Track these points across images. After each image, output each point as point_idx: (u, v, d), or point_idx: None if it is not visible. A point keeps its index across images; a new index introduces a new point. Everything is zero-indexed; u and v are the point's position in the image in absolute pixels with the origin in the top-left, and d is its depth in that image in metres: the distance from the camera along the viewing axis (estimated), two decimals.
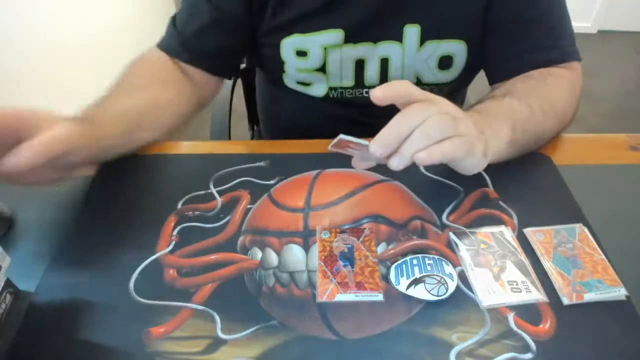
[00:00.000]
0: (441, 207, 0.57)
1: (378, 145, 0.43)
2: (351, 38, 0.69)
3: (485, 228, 0.54)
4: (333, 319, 0.46)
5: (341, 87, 0.76)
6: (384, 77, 0.74)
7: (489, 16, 0.68)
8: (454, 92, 0.80)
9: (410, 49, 0.70)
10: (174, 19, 0.71)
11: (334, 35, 0.68)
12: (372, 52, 0.71)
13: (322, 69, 0.73)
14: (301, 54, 0.71)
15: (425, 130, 0.43)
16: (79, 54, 1.53)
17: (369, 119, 0.79)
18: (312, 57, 0.71)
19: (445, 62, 0.72)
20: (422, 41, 0.69)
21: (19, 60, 1.25)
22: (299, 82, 0.77)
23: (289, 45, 0.70)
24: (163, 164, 0.65)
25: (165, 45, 0.71)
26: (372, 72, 0.73)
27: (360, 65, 0.73)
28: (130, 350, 0.43)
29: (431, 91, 0.76)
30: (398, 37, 0.69)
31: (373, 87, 0.75)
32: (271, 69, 0.78)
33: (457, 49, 0.70)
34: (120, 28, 1.81)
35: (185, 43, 0.69)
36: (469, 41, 0.70)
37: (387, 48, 0.70)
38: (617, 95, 2.42)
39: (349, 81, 0.75)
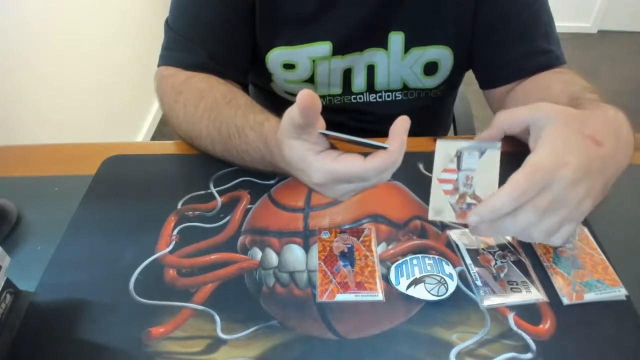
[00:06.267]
0: None
1: (479, 218, 0.40)
2: (339, 50, 0.68)
3: None
4: (333, 319, 0.46)
5: (329, 95, 0.76)
6: (370, 83, 0.74)
7: (478, 22, 0.67)
8: (444, 96, 0.79)
9: (395, 56, 0.70)
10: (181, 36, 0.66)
11: (322, 47, 0.68)
12: (359, 60, 0.71)
13: (311, 79, 0.72)
14: (289, 66, 0.71)
15: (547, 230, 0.41)
16: (79, 54, 1.53)
17: (358, 123, 0.79)
18: (301, 69, 0.71)
19: (430, 68, 0.71)
20: (407, 48, 0.69)
21: (18, 61, 1.25)
22: (287, 92, 0.77)
23: (275, 58, 0.70)
24: (163, 164, 0.65)
25: (196, 65, 0.65)
26: (359, 79, 0.74)
27: (347, 73, 0.73)
28: (130, 350, 0.43)
29: (418, 96, 0.77)
30: (383, 45, 0.69)
31: (361, 93, 0.76)
32: (260, 78, 0.78)
33: (442, 55, 0.70)
34: (121, 29, 1.81)
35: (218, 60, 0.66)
36: (454, 47, 0.69)
37: (372, 55, 0.70)
38: (617, 95, 2.41)
39: (337, 89, 0.75)
